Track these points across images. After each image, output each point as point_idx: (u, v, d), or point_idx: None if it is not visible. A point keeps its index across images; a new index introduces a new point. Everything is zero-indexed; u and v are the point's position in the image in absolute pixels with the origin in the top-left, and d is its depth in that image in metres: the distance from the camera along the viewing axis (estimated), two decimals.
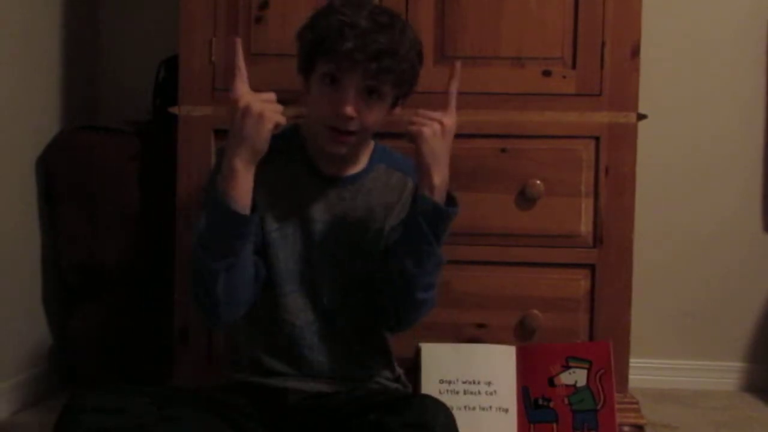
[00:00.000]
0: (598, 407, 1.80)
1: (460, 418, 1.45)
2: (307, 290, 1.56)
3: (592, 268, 1.91)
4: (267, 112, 1.38)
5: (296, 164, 1.58)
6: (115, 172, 2.17)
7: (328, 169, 1.58)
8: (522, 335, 1.91)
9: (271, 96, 1.42)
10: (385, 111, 1.51)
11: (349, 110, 1.44)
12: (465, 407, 1.77)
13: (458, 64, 1.53)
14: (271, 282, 1.55)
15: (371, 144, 1.63)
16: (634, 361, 1.97)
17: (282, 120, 1.40)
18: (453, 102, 1.51)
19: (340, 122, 1.46)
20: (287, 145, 1.60)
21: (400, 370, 1.67)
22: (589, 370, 1.81)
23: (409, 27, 1.52)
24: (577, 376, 1.81)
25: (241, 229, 1.41)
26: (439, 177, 1.45)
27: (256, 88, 1.89)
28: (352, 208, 1.57)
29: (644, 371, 2.38)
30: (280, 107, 1.41)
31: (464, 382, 1.80)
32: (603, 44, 1.89)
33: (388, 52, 1.43)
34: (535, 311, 1.90)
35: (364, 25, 1.42)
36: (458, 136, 1.88)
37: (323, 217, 1.56)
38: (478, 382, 1.80)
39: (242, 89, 1.41)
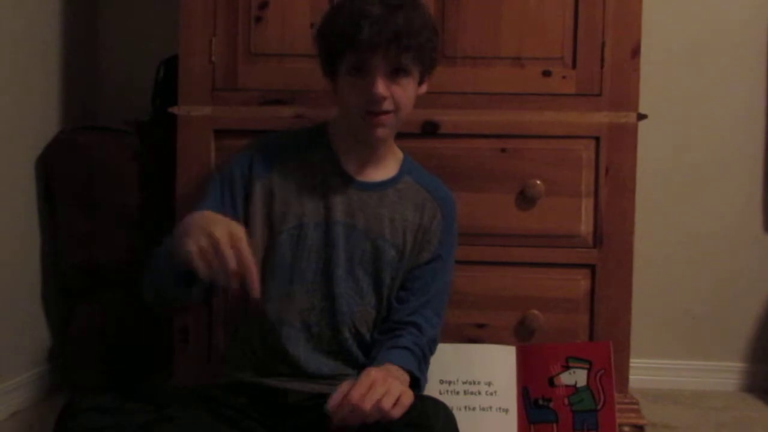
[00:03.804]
0: (598, 407, 1.79)
1: (461, 419, 1.45)
2: (320, 292, 1.55)
3: (592, 268, 1.91)
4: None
5: (322, 163, 1.59)
6: (115, 172, 2.17)
7: (354, 171, 1.59)
8: (522, 335, 1.91)
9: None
10: (414, 87, 1.53)
11: (380, 89, 1.47)
12: (465, 407, 1.77)
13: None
14: (278, 280, 1.55)
15: (400, 154, 1.65)
16: (634, 362, 1.97)
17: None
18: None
19: (373, 104, 1.48)
20: (314, 144, 1.60)
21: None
22: (589, 370, 1.81)
23: (420, 4, 1.54)
24: (577, 377, 1.80)
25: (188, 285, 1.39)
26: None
27: (256, 88, 1.92)
28: (374, 215, 1.57)
29: (644, 371, 2.38)
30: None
31: (464, 383, 1.80)
32: (603, 44, 1.89)
33: (405, 31, 1.46)
34: (535, 311, 1.90)
35: (377, 12, 1.45)
36: (458, 136, 1.90)
37: (344, 219, 1.56)
38: (478, 383, 1.80)
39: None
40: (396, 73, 1.49)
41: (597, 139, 1.89)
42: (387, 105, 1.49)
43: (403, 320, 1.57)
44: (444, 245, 1.63)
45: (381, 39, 1.44)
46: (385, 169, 1.61)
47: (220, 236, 1.24)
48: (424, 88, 1.59)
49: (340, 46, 1.48)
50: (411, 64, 1.50)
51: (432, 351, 1.61)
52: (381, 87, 1.47)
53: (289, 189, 1.56)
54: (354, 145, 1.58)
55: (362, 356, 1.57)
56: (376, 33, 1.44)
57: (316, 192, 1.57)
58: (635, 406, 1.91)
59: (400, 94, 1.50)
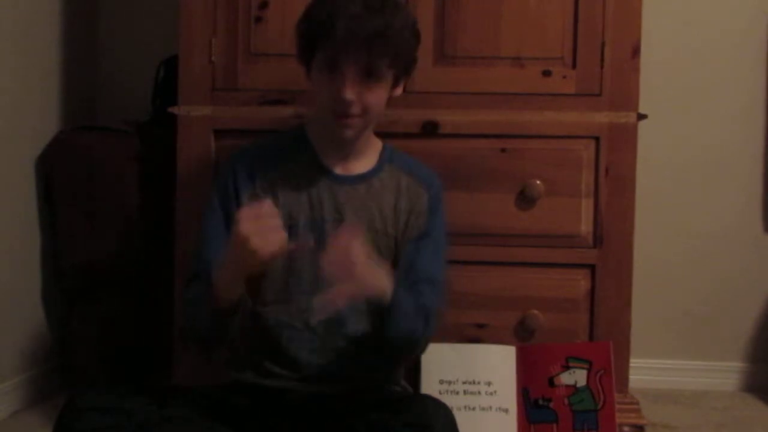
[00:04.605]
0: (598, 407, 1.79)
1: (460, 419, 1.45)
2: (315, 291, 1.54)
3: (592, 268, 1.90)
4: (262, 248, 1.33)
5: (304, 164, 1.59)
6: (115, 172, 2.17)
7: (336, 167, 1.58)
8: (522, 335, 1.91)
9: (273, 219, 1.35)
10: (386, 91, 1.52)
11: (348, 94, 1.46)
12: (465, 407, 1.77)
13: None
14: (275, 284, 1.54)
15: (379, 144, 1.64)
16: (634, 362, 1.97)
17: (278, 249, 1.35)
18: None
19: (341, 107, 1.47)
20: (295, 145, 1.61)
21: (405, 383, 1.67)
22: (589, 370, 1.81)
23: (402, 7, 1.53)
24: (577, 377, 1.80)
25: (225, 319, 1.43)
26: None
27: (256, 88, 1.92)
28: (363, 207, 1.57)
29: (644, 371, 2.38)
30: (280, 234, 1.35)
31: (464, 383, 1.80)
32: (603, 44, 1.89)
33: (380, 34, 1.44)
34: (535, 311, 1.90)
35: (355, 11, 1.43)
36: (458, 136, 1.90)
37: (333, 215, 1.56)
38: (478, 383, 1.80)
39: (245, 215, 1.35)
40: (368, 76, 1.47)
41: (597, 139, 1.89)
42: (355, 109, 1.48)
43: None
44: (432, 223, 1.61)
45: (354, 40, 1.43)
46: (366, 161, 1.61)
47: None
48: (399, 90, 1.57)
49: (314, 40, 1.48)
50: (384, 68, 1.48)
51: (432, 328, 1.55)
52: (349, 92, 1.45)
53: (275, 194, 1.56)
54: (333, 143, 1.58)
55: (366, 353, 1.57)
56: (350, 33, 1.42)
57: (301, 192, 1.57)
58: (635, 406, 1.91)
59: (370, 99, 1.49)
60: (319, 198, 1.57)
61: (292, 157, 1.59)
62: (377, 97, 1.50)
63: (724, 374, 2.46)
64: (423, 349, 1.59)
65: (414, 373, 1.81)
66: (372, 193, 1.58)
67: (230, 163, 1.61)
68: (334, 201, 1.57)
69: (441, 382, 1.80)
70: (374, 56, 1.45)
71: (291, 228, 1.55)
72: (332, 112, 1.49)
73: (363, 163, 1.60)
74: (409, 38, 1.52)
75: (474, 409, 1.78)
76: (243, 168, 1.58)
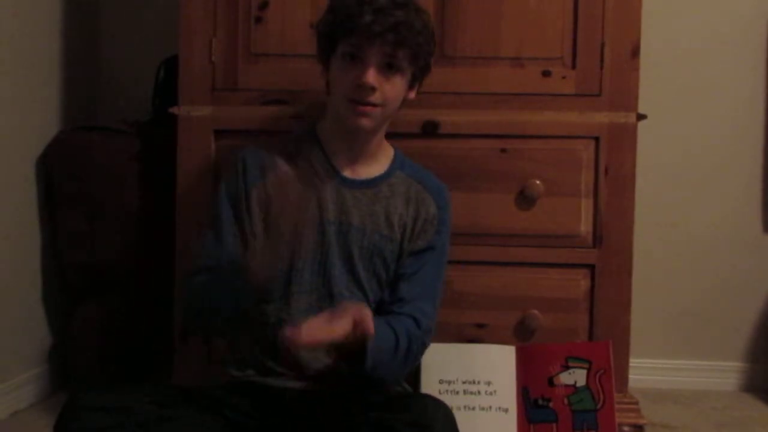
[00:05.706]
0: (598, 407, 1.80)
1: (460, 418, 1.45)
2: (317, 292, 1.56)
3: (592, 268, 1.91)
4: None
5: (313, 165, 1.59)
6: (115, 172, 2.17)
7: (345, 169, 1.59)
8: (522, 335, 1.91)
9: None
10: (404, 88, 1.55)
11: (371, 79, 1.48)
12: (465, 407, 1.77)
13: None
14: (279, 282, 1.55)
15: (391, 150, 1.66)
16: (634, 361, 1.97)
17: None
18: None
19: (361, 93, 1.49)
20: (304, 145, 1.61)
21: (404, 383, 1.67)
22: (588, 370, 1.81)
23: (424, 13, 1.56)
24: (576, 376, 1.81)
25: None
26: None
27: (256, 88, 1.92)
28: (369, 212, 1.58)
29: (644, 371, 2.38)
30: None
31: (464, 382, 1.80)
32: (603, 44, 1.89)
33: (405, 24, 1.48)
34: (535, 311, 1.90)
35: (382, 3, 1.47)
36: (458, 136, 1.90)
37: (338, 218, 1.57)
38: (478, 382, 1.80)
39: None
40: (389, 68, 1.50)
41: (597, 139, 1.89)
42: (374, 97, 1.49)
43: (402, 312, 1.57)
44: (439, 236, 1.63)
45: (380, 28, 1.46)
46: (376, 166, 1.62)
47: None
48: (413, 94, 1.59)
49: (341, 29, 1.50)
50: (405, 61, 1.51)
51: (426, 342, 1.59)
52: (371, 77, 1.48)
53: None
54: (344, 143, 1.59)
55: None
56: (378, 21, 1.46)
57: (309, 194, 1.57)
58: (635, 406, 1.91)
59: (389, 90, 1.51)
60: (326, 199, 1.57)
61: (301, 158, 1.59)
62: (396, 89, 1.52)
63: (723, 374, 2.46)
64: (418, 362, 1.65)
65: (414, 373, 1.81)
66: (380, 198, 1.59)
67: (241, 157, 1.60)
68: (341, 203, 1.57)
69: (441, 381, 1.80)
70: (397, 46, 1.48)
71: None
72: (351, 101, 1.50)
73: (373, 168, 1.61)
74: (429, 41, 1.55)
75: (474, 408, 1.78)
76: (254, 163, 1.58)
